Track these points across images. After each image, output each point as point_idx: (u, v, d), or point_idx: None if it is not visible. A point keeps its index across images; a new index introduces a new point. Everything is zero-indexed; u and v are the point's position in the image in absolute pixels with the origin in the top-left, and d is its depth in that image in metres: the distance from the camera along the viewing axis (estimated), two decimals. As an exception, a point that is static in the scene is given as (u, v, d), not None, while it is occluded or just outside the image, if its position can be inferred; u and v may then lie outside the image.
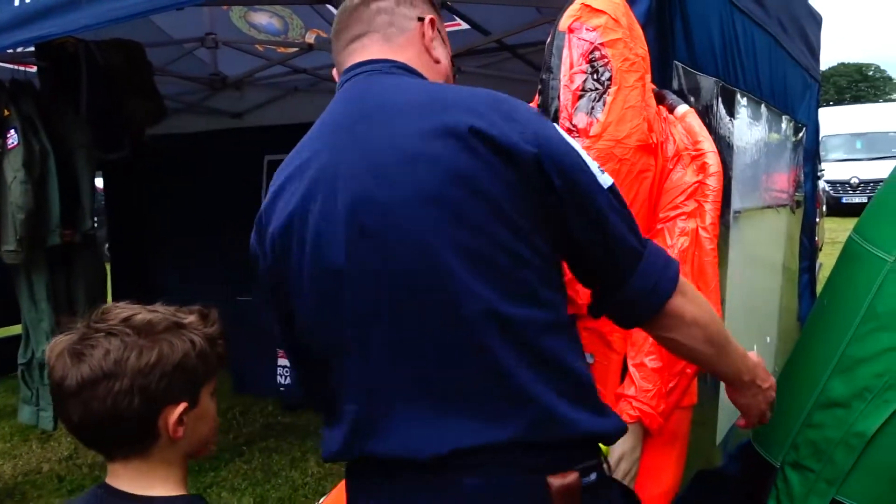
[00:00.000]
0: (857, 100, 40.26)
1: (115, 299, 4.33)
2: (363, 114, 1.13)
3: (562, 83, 1.53)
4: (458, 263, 1.03)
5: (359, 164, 1.08)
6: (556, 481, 1.04)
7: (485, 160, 1.03)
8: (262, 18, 5.17)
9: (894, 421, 1.72)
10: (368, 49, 1.23)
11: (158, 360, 1.04)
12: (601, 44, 1.52)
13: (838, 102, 34.83)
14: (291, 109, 6.00)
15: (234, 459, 3.99)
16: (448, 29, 4.26)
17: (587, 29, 1.53)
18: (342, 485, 3.36)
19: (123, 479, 1.09)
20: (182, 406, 1.06)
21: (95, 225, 3.45)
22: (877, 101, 36.03)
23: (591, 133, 1.51)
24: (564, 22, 1.56)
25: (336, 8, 4.67)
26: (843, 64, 47.75)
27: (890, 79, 50.00)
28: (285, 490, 3.63)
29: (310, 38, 5.26)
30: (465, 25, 4.46)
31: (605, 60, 1.51)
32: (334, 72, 1.31)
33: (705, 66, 2.14)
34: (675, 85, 1.92)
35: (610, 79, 1.51)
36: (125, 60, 3.85)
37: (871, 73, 48.85)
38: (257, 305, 1.30)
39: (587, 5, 1.56)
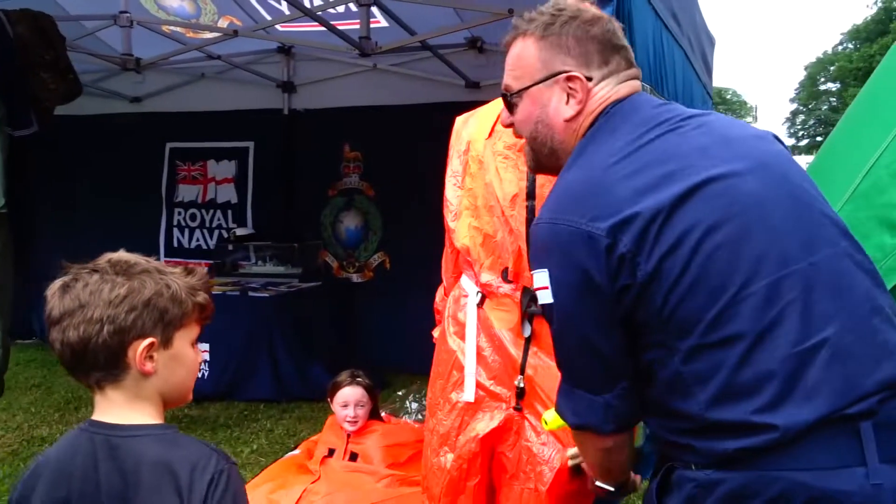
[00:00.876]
0: (716, 120, 43.33)
1: None
2: (702, 123, 1.29)
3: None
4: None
5: (736, 152, 1.23)
6: None
7: None
8: (173, 1, 5.02)
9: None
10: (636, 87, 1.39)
11: (128, 294, 1.11)
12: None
13: (700, 122, 37.27)
14: (196, 96, 5.87)
15: (141, 452, 3.86)
16: (372, 26, 4.29)
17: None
18: (272, 467, 3.32)
19: (104, 411, 1.16)
20: (149, 341, 1.13)
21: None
22: (733, 123, 38.98)
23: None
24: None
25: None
26: (704, 87, 51.30)
27: (745, 103, 54.34)
28: (201, 480, 3.56)
29: (222, 23, 5.17)
30: (384, 23, 4.56)
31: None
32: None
33: (643, 73, 2.36)
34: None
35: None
36: (35, 33, 3.64)
37: (728, 96, 52.86)
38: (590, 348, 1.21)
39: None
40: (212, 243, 5.95)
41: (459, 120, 2.03)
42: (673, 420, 1.19)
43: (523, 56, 1.37)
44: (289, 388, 4.68)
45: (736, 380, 1.11)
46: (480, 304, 1.91)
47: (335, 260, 5.66)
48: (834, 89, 41.68)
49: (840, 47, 41.18)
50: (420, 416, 3.17)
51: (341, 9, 4.50)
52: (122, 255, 1.16)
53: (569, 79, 1.32)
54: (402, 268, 5.37)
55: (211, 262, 5.66)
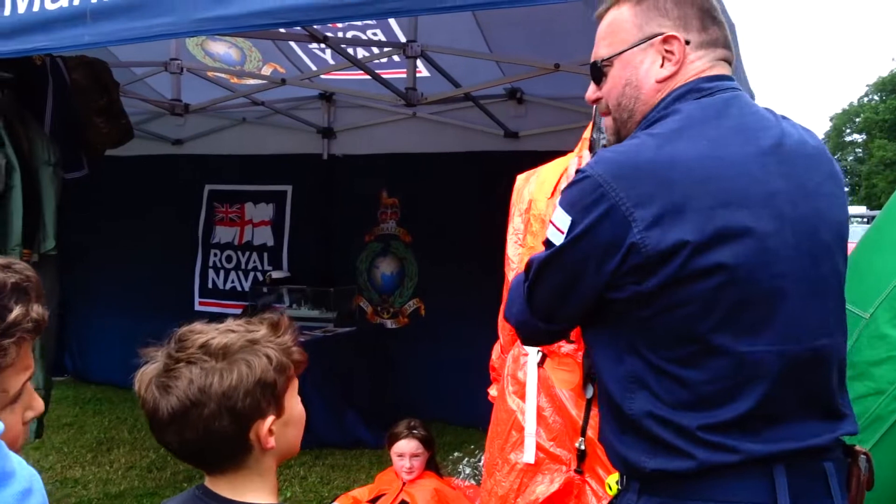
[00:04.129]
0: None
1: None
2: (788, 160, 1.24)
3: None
4: None
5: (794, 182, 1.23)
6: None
7: None
8: (220, 48, 5.14)
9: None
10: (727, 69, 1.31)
11: (240, 381, 1.08)
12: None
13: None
14: (236, 140, 5.96)
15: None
16: (418, 76, 4.33)
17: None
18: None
19: (220, 484, 1.13)
20: (270, 419, 1.11)
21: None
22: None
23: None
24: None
25: (299, 46, 4.63)
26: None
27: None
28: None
29: (266, 70, 5.28)
30: (425, 73, 4.62)
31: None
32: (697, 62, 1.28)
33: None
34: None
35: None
36: (90, 79, 3.75)
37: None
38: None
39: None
40: (247, 285, 5.98)
41: (521, 178, 2.04)
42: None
43: (617, 22, 1.31)
44: (322, 435, 4.63)
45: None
46: (541, 364, 1.89)
47: (369, 305, 5.65)
48: (860, 140, 41.46)
49: (866, 99, 41.10)
50: (474, 481, 3.17)
51: (385, 59, 4.58)
52: (210, 336, 1.11)
53: (665, 40, 1.26)
54: (437, 315, 5.36)
55: (245, 304, 5.68)
